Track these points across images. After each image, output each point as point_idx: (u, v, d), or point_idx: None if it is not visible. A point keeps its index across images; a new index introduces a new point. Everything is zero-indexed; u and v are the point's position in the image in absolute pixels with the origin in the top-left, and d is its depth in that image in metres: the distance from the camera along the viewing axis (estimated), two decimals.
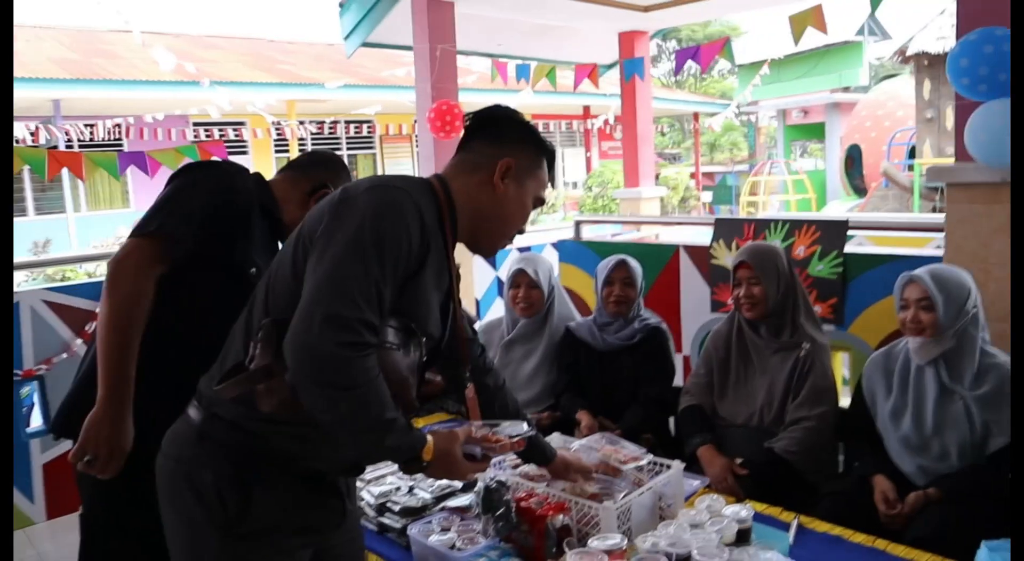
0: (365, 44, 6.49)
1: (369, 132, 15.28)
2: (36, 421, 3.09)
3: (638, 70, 5.70)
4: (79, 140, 10.76)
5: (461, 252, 1.52)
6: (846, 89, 15.99)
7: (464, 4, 5.70)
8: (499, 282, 4.82)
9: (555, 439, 2.16)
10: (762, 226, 3.37)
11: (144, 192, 13.09)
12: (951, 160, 2.68)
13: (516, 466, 2.07)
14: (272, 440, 1.32)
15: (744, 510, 1.75)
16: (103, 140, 11.00)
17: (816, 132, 16.91)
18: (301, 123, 13.34)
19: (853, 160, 13.40)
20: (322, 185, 1.84)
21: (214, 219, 1.64)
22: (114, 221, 12.42)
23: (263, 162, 14.41)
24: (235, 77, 12.91)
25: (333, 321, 1.19)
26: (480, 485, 1.79)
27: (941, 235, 2.66)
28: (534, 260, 3.08)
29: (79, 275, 8.56)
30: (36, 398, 3.07)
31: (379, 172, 15.92)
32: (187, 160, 3.20)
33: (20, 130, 8.25)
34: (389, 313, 1.29)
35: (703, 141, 21.72)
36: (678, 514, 1.80)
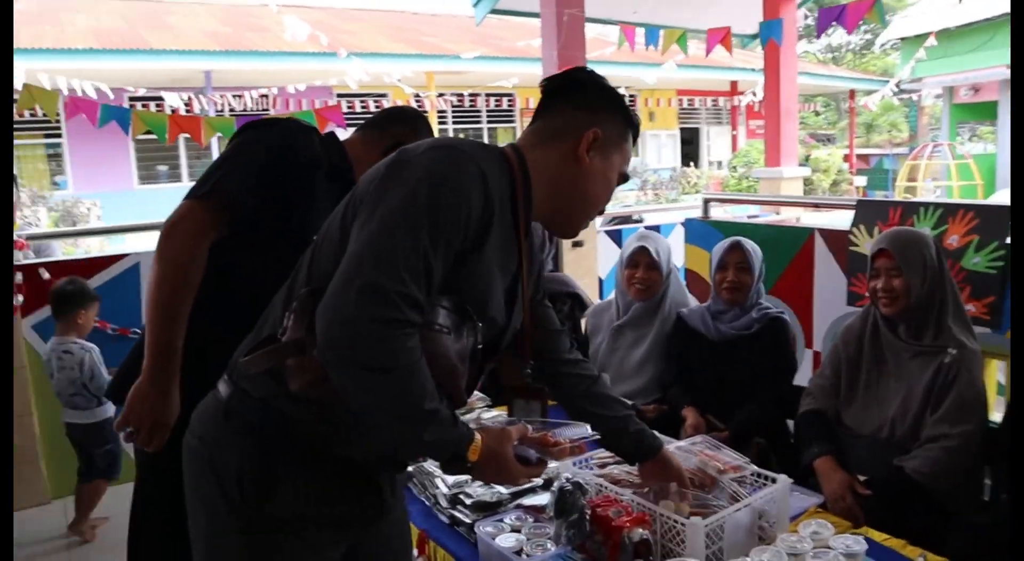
0: (494, 11, 6.43)
1: (509, 105, 15.22)
2: None
3: (775, 34, 5.23)
4: (230, 109, 11.31)
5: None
6: None
7: None
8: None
9: None
10: (910, 210, 2.98)
11: None
12: None
13: (603, 464, 1.88)
14: (301, 422, 1.19)
15: (856, 543, 1.49)
16: (250, 110, 11.52)
17: (987, 112, 15.42)
18: (440, 95, 13.44)
19: None
20: (399, 143, 1.71)
21: (272, 181, 1.54)
22: None
23: None
24: (375, 49, 13.17)
25: (371, 292, 1.04)
26: (556, 485, 1.62)
27: None
28: (655, 238, 2.89)
29: None
30: None
31: None
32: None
33: (174, 100, 8.69)
34: (441, 291, 1.13)
35: (860, 121, 20.36)
36: (777, 539, 1.56)
